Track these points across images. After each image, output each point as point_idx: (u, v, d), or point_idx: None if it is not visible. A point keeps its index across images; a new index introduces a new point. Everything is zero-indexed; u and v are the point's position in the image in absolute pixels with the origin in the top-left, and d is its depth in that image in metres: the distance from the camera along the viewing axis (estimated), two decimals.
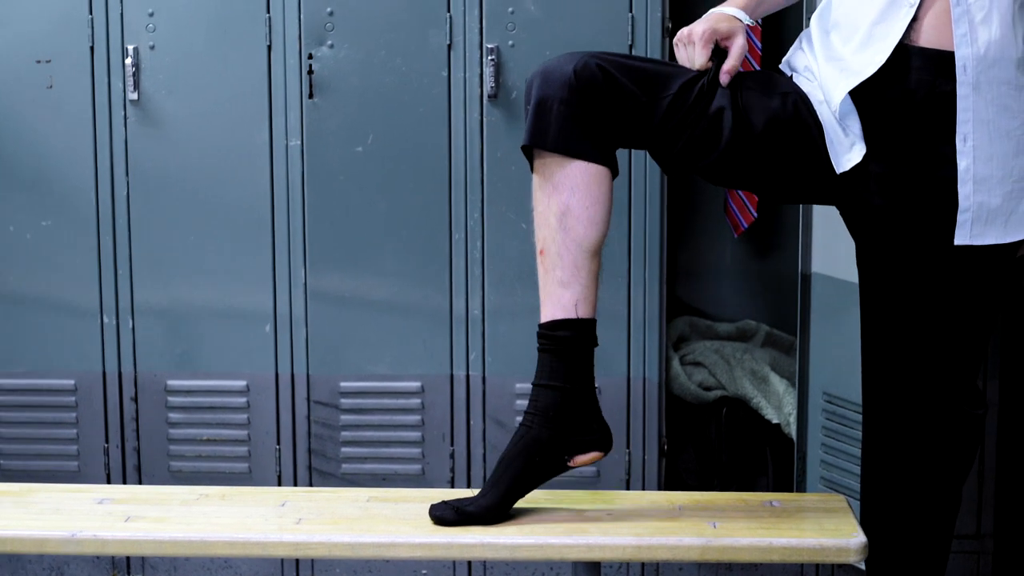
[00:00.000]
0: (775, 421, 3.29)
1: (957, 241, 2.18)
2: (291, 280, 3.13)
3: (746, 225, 3.66)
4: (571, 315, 2.15)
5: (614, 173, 2.18)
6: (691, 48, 2.21)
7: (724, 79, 2.19)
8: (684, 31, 2.24)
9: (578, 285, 2.14)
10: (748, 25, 2.28)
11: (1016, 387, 2.88)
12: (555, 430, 2.17)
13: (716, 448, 3.44)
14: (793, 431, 3.16)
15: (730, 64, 2.20)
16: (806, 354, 3.06)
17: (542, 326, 2.17)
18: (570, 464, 2.19)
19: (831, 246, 2.92)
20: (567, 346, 2.15)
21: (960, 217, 2.17)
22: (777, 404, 3.30)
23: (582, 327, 2.15)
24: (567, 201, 2.12)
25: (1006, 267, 2.26)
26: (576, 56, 2.14)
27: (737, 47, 2.22)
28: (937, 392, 2.25)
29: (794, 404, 3.15)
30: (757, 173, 2.25)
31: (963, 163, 2.16)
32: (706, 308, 3.82)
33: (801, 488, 3.10)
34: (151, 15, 3.08)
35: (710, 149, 2.17)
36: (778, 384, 3.35)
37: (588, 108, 2.12)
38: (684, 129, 2.16)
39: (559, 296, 2.14)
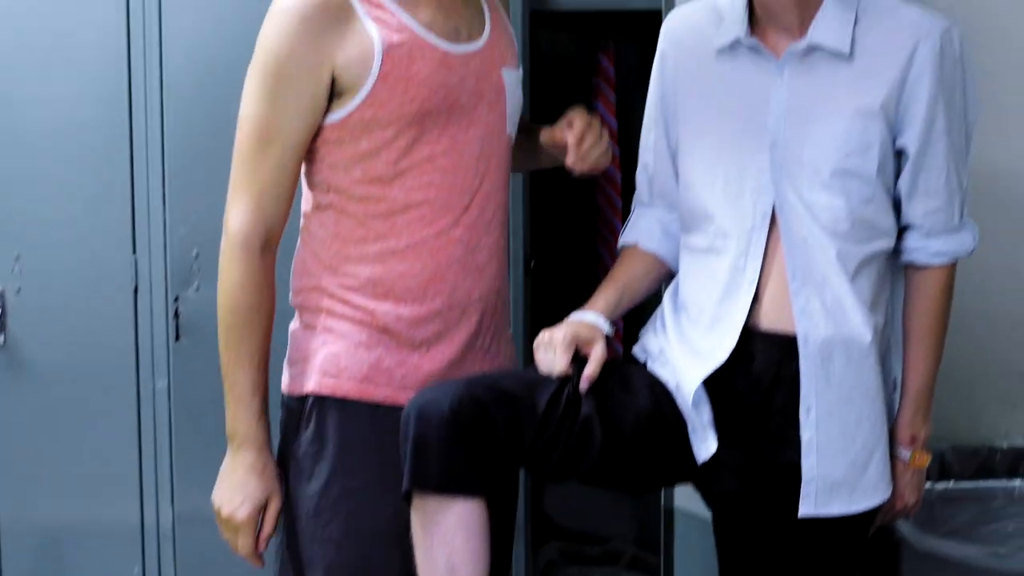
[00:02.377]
0: None
1: (802, 512, 2.18)
2: (160, 533, 3.10)
3: None
4: None
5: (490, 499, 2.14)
6: (550, 353, 2.20)
7: (584, 386, 2.17)
8: (545, 335, 2.22)
9: None
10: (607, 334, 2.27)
11: None
12: None
13: None
14: None
15: (589, 371, 2.17)
16: None
17: None
18: None
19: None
20: None
21: (804, 489, 2.17)
22: None
23: None
24: (451, 543, 2.08)
25: (858, 538, 2.26)
26: (449, 390, 2.10)
27: (597, 353, 2.20)
28: None
29: None
30: (628, 471, 2.25)
31: (806, 435, 2.17)
32: (577, 527, 3.84)
33: None
34: (17, 259, 3.08)
35: (583, 458, 2.15)
36: None
37: (466, 445, 2.07)
38: (557, 445, 2.13)
39: None
